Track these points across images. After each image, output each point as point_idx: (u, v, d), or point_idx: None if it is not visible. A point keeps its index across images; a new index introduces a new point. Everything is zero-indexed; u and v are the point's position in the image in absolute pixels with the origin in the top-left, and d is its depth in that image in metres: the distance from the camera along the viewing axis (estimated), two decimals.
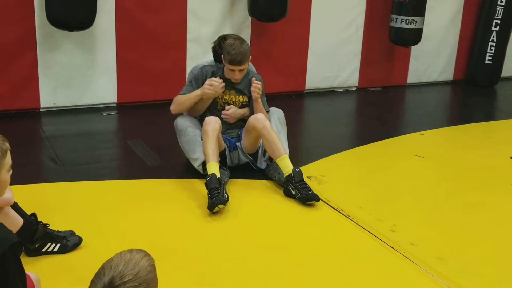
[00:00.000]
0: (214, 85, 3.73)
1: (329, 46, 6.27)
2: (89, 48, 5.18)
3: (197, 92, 3.79)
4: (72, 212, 3.28)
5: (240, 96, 3.88)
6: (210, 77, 3.80)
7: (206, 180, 3.41)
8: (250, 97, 3.86)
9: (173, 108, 3.91)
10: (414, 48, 6.70)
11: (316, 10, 6.08)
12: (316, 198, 3.49)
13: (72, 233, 2.93)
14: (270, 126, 3.70)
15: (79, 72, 5.19)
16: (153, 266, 1.70)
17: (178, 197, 3.55)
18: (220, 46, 3.87)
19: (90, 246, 2.90)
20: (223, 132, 3.83)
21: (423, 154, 4.51)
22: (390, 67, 6.77)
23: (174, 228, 3.19)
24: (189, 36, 5.50)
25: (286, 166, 3.61)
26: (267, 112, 3.91)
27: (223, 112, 3.86)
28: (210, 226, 3.22)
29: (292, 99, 6.10)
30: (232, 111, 3.86)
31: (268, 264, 2.87)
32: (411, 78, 6.97)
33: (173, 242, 3.04)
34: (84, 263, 2.74)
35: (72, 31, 4.81)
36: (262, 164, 3.92)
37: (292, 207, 3.50)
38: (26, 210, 2.88)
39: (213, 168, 3.45)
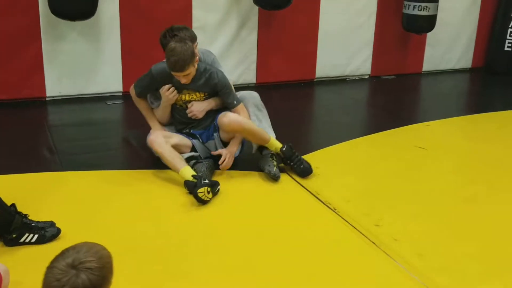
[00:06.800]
0: (165, 95, 3.72)
1: (339, 33, 6.14)
2: (94, 37, 5.20)
3: (163, 103, 3.80)
4: (57, 202, 3.31)
5: (201, 93, 3.77)
6: (161, 80, 3.72)
7: (185, 188, 3.42)
8: (210, 93, 3.78)
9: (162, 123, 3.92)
10: (429, 35, 6.52)
11: None
12: (310, 171, 3.73)
13: (52, 224, 2.95)
14: (245, 121, 3.65)
15: (84, 61, 5.23)
16: (112, 260, 1.82)
17: (168, 188, 3.54)
18: (165, 38, 3.76)
19: (69, 237, 2.91)
20: (195, 127, 3.81)
21: (425, 145, 4.39)
22: (405, 55, 6.61)
23: (158, 220, 3.19)
24: (194, 24, 5.45)
25: (276, 148, 3.73)
26: (238, 104, 3.79)
27: (187, 110, 3.78)
28: (192, 216, 3.23)
29: (301, 88, 6.03)
30: (195, 107, 3.76)
31: (246, 256, 2.85)
32: (427, 66, 6.79)
33: (154, 235, 3.03)
34: None
35: (74, 21, 4.84)
36: (237, 152, 3.88)
37: (277, 199, 3.46)
38: (12, 200, 2.93)
39: (184, 173, 3.45)
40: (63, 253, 1.75)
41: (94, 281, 1.70)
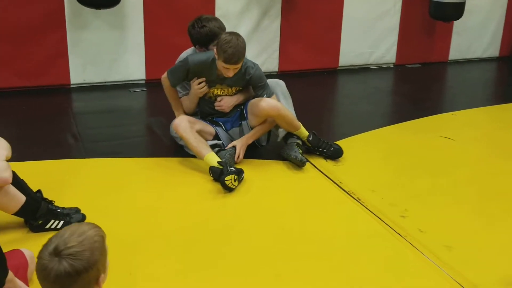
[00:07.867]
0: (195, 88, 3.68)
1: (364, 20, 6.06)
2: (117, 25, 5.20)
3: (191, 95, 3.77)
4: (82, 189, 3.32)
5: (234, 88, 3.74)
6: (196, 72, 3.66)
7: (210, 175, 3.41)
8: (242, 87, 3.74)
9: (188, 112, 3.87)
10: (456, 23, 6.40)
11: None
12: (341, 152, 3.79)
13: (77, 210, 2.97)
14: (282, 107, 3.66)
15: (108, 49, 5.23)
16: (102, 237, 1.75)
17: (192, 176, 3.53)
18: (193, 28, 3.73)
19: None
20: (221, 116, 3.79)
21: (451, 135, 4.32)
22: (431, 43, 6.50)
23: (181, 207, 3.18)
24: (217, 12, 5.42)
25: (304, 136, 3.78)
26: (270, 97, 3.74)
27: (216, 104, 3.75)
28: (219, 204, 3.23)
29: (324, 77, 5.97)
30: (225, 102, 3.73)
31: (270, 245, 2.84)
32: (454, 55, 6.68)
33: (177, 221, 3.03)
34: None
35: (99, 9, 4.84)
36: (263, 141, 3.91)
37: (300, 188, 3.44)
38: (37, 186, 2.95)
39: (209, 159, 3.44)
40: (48, 242, 1.71)
41: (77, 267, 1.65)
